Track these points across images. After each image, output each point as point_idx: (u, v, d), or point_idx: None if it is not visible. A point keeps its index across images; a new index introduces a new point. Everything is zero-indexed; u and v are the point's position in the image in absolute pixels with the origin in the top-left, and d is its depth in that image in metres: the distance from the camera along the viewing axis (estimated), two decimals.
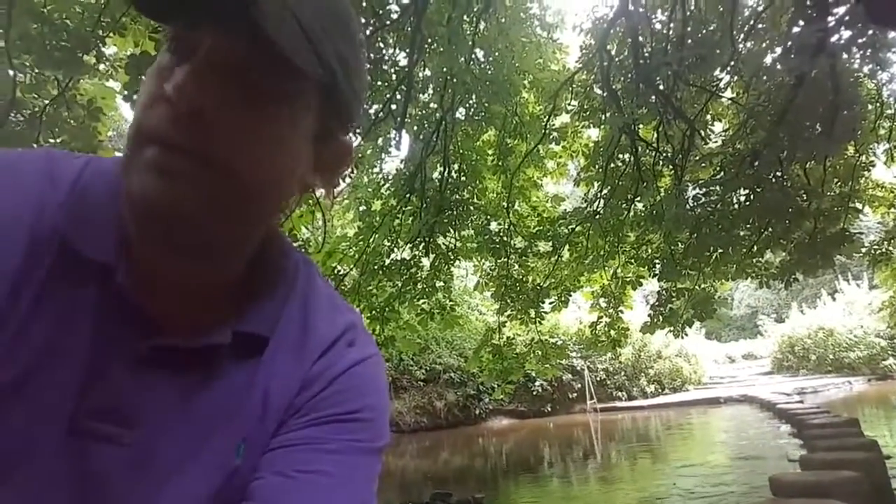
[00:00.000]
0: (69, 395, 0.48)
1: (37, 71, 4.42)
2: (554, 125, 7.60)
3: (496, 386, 10.74)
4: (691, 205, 6.26)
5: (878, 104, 6.84)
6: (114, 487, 0.49)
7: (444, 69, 6.37)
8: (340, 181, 6.91)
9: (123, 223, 0.51)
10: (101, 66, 5.12)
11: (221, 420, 0.53)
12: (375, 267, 7.11)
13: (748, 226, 6.38)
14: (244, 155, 0.48)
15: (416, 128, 7.10)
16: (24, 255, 0.48)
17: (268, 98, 0.48)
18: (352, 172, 6.87)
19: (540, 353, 8.31)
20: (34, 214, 0.50)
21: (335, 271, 7.02)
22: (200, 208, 0.47)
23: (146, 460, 0.50)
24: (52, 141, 4.56)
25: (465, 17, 6.44)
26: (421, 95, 7.13)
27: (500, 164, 7.50)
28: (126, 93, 4.26)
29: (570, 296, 8.01)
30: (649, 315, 7.65)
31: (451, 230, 7.21)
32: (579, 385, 17.48)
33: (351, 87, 0.53)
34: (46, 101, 4.42)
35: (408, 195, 6.89)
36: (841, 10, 4.67)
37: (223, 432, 0.53)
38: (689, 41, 5.55)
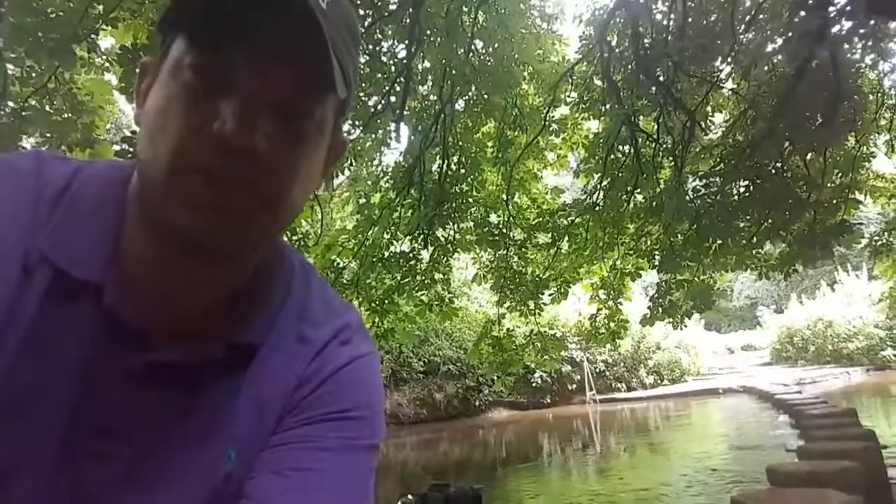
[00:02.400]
0: (64, 414, 0.48)
1: (29, 64, 4.39)
2: (554, 117, 7.57)
3: (496, 378, 10.78)
4: (691, 196, 6.25)
5: (878, 95, 6.81)
6: (109, 502, 0.50)
7: (443, 61, 6.34)
8: (340, 173, 6.90)
9: (117, 238, 0.51)
10: (98, 60, 5.09)
11: (212, 428, 0.53)
12: (374, 259, 7.11)
13: (748, 217, 6.37)
14: (291, 183, 0.49)
15: (414, 120, 7.06)
16: (18, 275, 0.48)
17: (309, 126, 0.49)
18: (351, 165, 6.85)
19: (539, 344, 8.33)
20: (26, 232, 0.49)
21: (334, 264, 7.02)
22: (248, 236, 0.49)
23: (140, 474, 0.50)
24: (48, 136, 4.55)
25: (463, 9, 6.39)
26: (420, 87, 7.09)
27: (499, 156, 7.47)
28: (122, 86, 4.24)
29: (570, 287, 8.00)
30: (649, 307, 7.65)
31: (451, 222, 7.20)
32: (579, 376, 17.54)
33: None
34: (39, 94, 4.40)
35: (407, 188, 6.88)
36: (842, 0, 4.64)
37: (214, 440, 0.53)
38: (690, 32, 5.52)
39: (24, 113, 4.20)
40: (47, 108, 4.43)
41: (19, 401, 0.47)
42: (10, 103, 4.24)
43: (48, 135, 4.49)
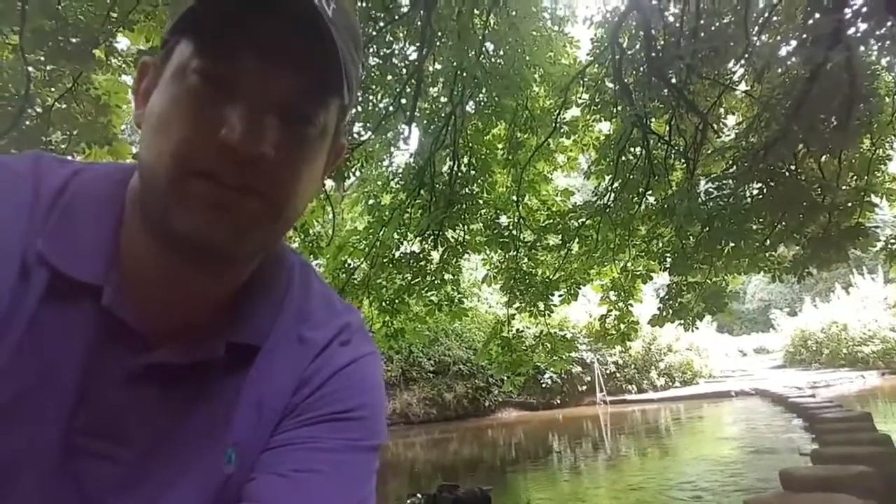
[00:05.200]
0: (63, 415, 0.48)
1: (50, 67, 4.48)
2: (565, 119, 7.56)
3: (505, 378, 10.79)
4: (703, 198, 6.21)
5: (895, 97, 6.72)
6: (110, 503, 0.50)
7: (454, 63, 6.36)
8: (351, 175, 6.94)
9: (115, 240, 0.52)
10: (114, 62, 5.18)
11: (212, 429, 0.53)
12: (385, 260, 7.15)
13: (761, 220, 6.31)
14: (295, 188, 0.50)
15: (425, 122, 7.09)
16: (15, 276, 0.48)
17: (313, 132, 0.50)
18: (361, 167, 6.91)
19: (549, 345, 8.32)
20: (23, 234, 0.49)
21: (346, 265, 7.07)
22: (251, 241, 0.49)
23: (140, 476, 0.50)
24: (67, 135, 4.65)
25: (475, 11, 6.40)
26: (431, 89, 7.12)
27: (509, 157, 7.48)
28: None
29: (580, 289, 7.99)
30: (659, 308, 7.62)
31: (461, 224, 7.22)
32: (589, 378, 17.47)
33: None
34: (59, 96, 4.50)
35: (417, 189, 6.91)
36: (858, 0, 4.59)
37: (214, 441, 0.53)
38: (702, 34, 5.48)
39: (49, 116, 4.30)
40: (71, 109, 4.52)
41: (17, 402, 0.47)
42: (32, 108, 4.34)
43: (69, 133, 4.59)
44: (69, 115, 4.59)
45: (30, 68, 4.18)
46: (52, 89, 4.71)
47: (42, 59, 4.44)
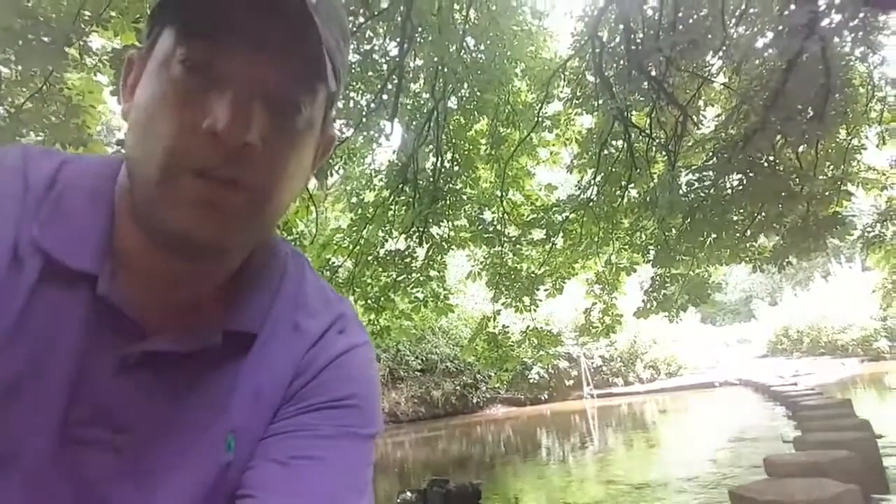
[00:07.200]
0: (58, 404, 0.48)
1: (20, 67, 4.38)
2: (546, 113, 7.59)
3: (493, 374, 10.82)
4: (685, 190, 6.28)
5: (869, 87, 6.84)
6: (107, 492, 0.49)
7: (436, 58, 6.34)
8: (334, 172, 6.89)
9: (108, 230, 0.51)
10: (88, 61, 5.07)
11: (210, 417, 0.53)
12: (370, 258, 7.11)
13: (741, 210, 6.40)
14: (283, 178, 0.49)
15: (407, 118, 7.07)
16: (7, 263, 0.48)
17: (300, 121, 0.49)
18: (344, 164, 6.86)
19: (535, 340, 8.35)
20: (15, 222, 0.49)
21: (330, 263, 7.03)
22: (240, 233, 0.49)
23: (138, 463, 0.50)
24: (41, 136, 4.54)
25: (455, 6, 6.39)
26: (412, 85, 7.10)
27: (492, 153, 7.48)
28: (113, 88, 4.24)
29: (565, 283, 8.04)
30: (643, 300, 7.69)
31: (445, 220, 7.21)
32: (576, 372, 17.62)
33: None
34: (29, 96, 4.40)
35: (401, 185, 6.88)
36: None
37: (212, 429, 0.53)
38: (681, 27, 5.53)
39: (20, 116, 4.20)
40: (42, 109, 4.42)
41: (12, 391, 0.46)
42: (3, 107, 4.23)
43: (41, 135, 4.48)
44: (41, 116, 4.49)
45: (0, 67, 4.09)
46: (24, 89, 4.60)
47: (12, 58, 4.33)
